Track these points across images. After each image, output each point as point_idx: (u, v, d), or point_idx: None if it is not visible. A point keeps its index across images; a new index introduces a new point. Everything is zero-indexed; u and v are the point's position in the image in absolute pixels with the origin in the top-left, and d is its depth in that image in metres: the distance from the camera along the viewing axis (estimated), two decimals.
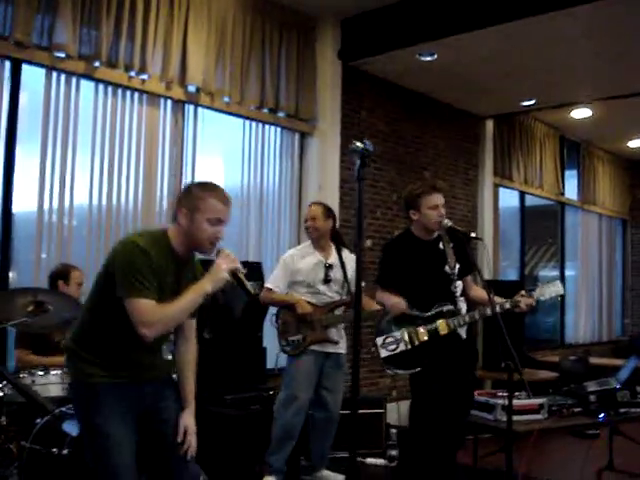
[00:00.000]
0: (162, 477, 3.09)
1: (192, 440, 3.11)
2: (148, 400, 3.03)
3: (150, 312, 2.78)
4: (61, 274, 4.80)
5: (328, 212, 5.31)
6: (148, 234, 3.01)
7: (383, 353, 4.29)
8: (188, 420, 3.14)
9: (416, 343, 4.23)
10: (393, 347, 4.26)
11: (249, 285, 3.02)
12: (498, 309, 4.16)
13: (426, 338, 4.22)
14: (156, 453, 3.07)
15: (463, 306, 4.37)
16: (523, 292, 4.33)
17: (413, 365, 4.29)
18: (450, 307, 4.26)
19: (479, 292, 4.54)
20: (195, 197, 2.95)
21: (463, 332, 4.35)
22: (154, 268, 2.84)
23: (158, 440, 3.07)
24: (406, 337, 4.25)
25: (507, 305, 4.24)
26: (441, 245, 4.38)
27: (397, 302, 4.27)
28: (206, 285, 2.89)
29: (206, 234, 2.93)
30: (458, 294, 4.34)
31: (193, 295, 2.87)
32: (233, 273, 2.93)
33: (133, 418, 2.96)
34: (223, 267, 2.91)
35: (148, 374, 3.05)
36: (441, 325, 4.23)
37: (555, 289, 4.37)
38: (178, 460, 3.08)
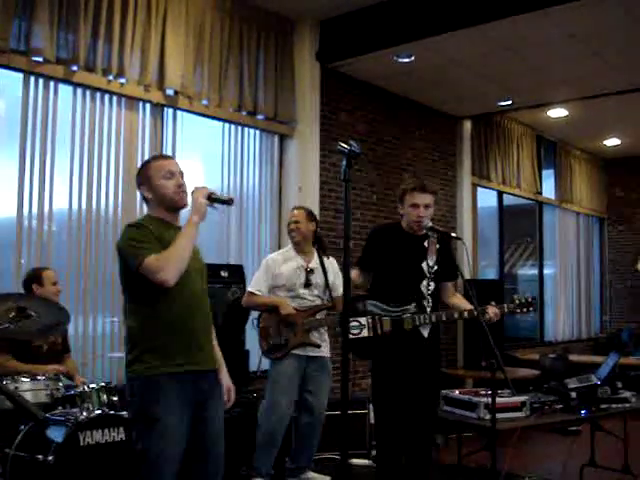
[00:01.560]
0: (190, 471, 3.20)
1: (232, 395, 3.45)
2: (200, 396, 3.17)
3: (155, 261, 3.00)
4: (33, 277, 4.78)
5: (311, 216, 5.33)
6: (139, 219, 3.36)
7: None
8: (226, 379, 3.43)
9: (379, 332, 4.27)
10: (356, 331, 4.29)
11: (225, 196, 3.36)
12: (466, 315, 4.24)
13: (389, 329, 4.26)
14: (194, 447, 3.17)
15: (428, 306, 4.40)
16: (493, 303, 4.37)
17: (368, 355, 4.34)
18: (416, 305, 4.31)
19: (457, 301, 4.58)
20: (143, 172, 3.30)
21: (426, 331, 4.38)
22: (154, 233, 3.12)
23: (200, 436, 3.19)
24: (370, 323, 4.28)
25: (475, 313, 4.28)
26: (426, 243, 4.42)
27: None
28: (193, 217, 3.16)
29: (169, 188, 3.22)
30: (427, 293, 4.36)
31: (186, 230, 3.13)
32: (209, 197, 3.22)
33: (188, 412, 3.10)
34: (198, 196, 3.19)
35: (204, 354, 3.22)
36: (406, 320, 4.27)
37: (527, 306, 4.43)
38: (211, 457, 3.24)
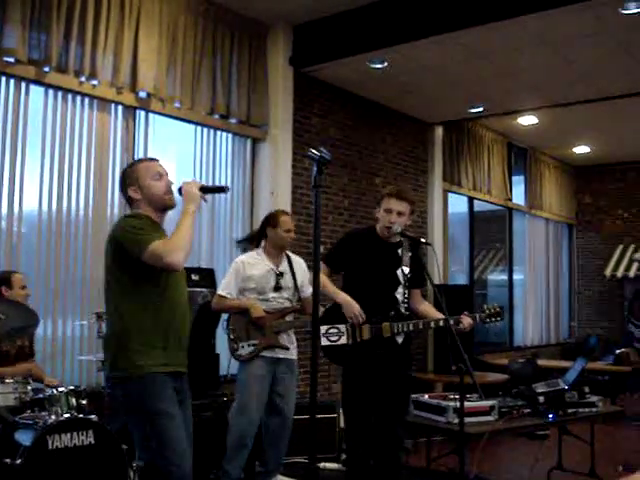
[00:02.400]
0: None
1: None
2: (179, 397, 3.24)
3: (162, 245, 3.08)
4: (2, 280, 4.75)
5: None
6: (132, 213, 3.34)
7: (324, 342, 4.31)
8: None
9: (358, 339, 4.29)
10: (335, 338, 4.31)
11: (217, 185, 3.40)
12: (441, 324, 4.28)
13: (368, 336, 4.27)
14: None
15: (404, 314, 4.42)
16: (466, 313, 4.42)
17: (345, 361, 4.36)
18: (394, 312, 4.33)
19: (427, 308, 4.63)
20: (131, 173, 3.34)
21: (400, 338, 4.41)
22: (149, 224, 3.20)
23: None
24: (349, 331, 4.30)
25: (451, 321, 4.32)
26: (400, 251, 4.44)
27: (358, 312, 4.30)
28: (189, 207, 3.24)
29: (159, 189, 3.31)
30: (402, 300, 4.39)
31: (185, 219, 3.20)
32: (202, 188, 3.31)
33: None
34: (192, 187, 3.29)
35: (184, 354, 3.29)
36: (385, 327, 4.29)
37: (496, 315, 4.51)
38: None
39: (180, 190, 3.32)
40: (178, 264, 3.08)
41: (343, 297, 4.33)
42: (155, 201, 3.31)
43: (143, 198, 3.30)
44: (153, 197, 3.29)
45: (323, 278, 4.41)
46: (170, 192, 3.34)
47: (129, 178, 3.33)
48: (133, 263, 3.10)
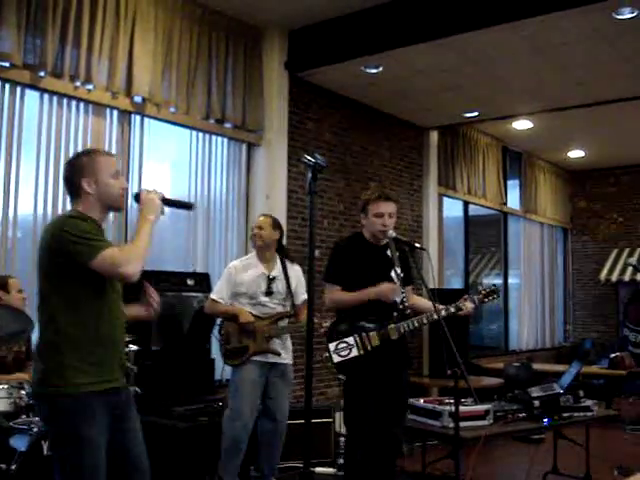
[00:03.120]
0: None
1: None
2: (119, 410, 3.00)
3: (118, 254, 2.85)
4: None
5: (276, 224, 5.36)
6: (70, 212, 3.06)
7: (336, 359, 4.30)
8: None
9: (369, 348, 4.27)
10: (345, 353, 4.28)
11: (182, 200, 3.30)
12: (444, 313, 4.26)
13: (378, 343, 4.26)
14: (116, 465, 2.99)
15: (405, 313, 4.41)
16: (466, 296, 4.43)
17: (362, 372, 4.34)
18: (398, 313, 4.32)
19: (418, 301, 4.62)
20: (90, 163, 3.04)
21: (395, 335, 4.39)
22: (99, 230, 2.99)
23: (120, 453, 3.01)
24: (358, 342, 4.28)
25: (451, 309, 4.34)
26: (389, 252, 4.44)
27: (381, 287, 4.29)
28: (149, 216, 3.00)
29: (116, 189, 3.06)
30: (399, 300, 4.38)
31: (143, 225, 2.97)
32: (163, 199, 3.09)
33: (108, 428, 2.93)
34: (154, 197, 3.05)
35: (121, 369, 3.06)
36: (391, 330, 4.28)
37: (493, 294, 4.52)
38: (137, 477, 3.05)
39: (137, 197, 3.08)
40: (134, 275, 2.84)
41: (369, 290, 4.29)
42: (108, 201, 3.06)
43: (95, 194, 3.02)
44: (108, 196, 3.04)
45: (340, 294, 4.41)
46: (124, 194, 3.13)
47: (85, 168, 3.02)
48: (76, 270, 2.84)
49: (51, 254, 2.90)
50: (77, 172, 3.04)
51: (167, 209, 3.15)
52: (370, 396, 4.27)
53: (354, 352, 4.28)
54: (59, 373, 2.84)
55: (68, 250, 2.83)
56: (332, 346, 4.31)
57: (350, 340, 4.29)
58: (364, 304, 4.31)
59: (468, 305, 4.40)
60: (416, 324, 4.33)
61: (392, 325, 4.28)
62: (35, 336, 4.30)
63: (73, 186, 3.05)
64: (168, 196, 3.15)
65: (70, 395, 2.82)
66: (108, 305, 2.98)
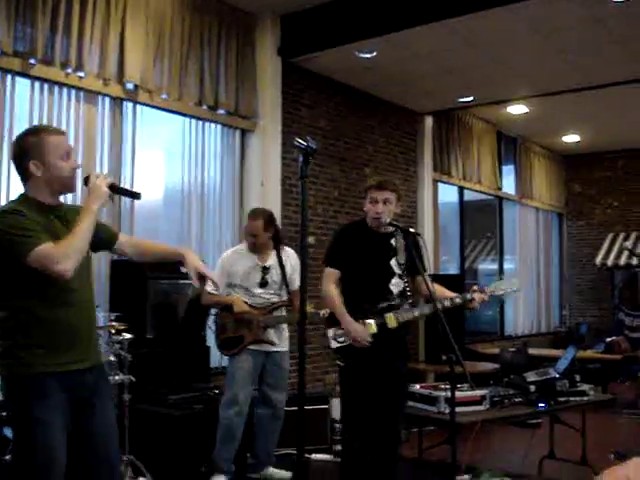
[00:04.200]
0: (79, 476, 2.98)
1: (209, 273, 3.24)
2: (86, 392, 2.95)
3: (53, 250, 2.75)
4: None
5: (268, 224, 5.25)
6: (8, 204, 3.04)
7: (333, 344, 4.31)
8: (194, 260, 3.22)
9: (357, 346, 4.25)
10: (343, 339, 4.29)
11: (131, 188, 3.23)
12: (448, 303, 4.23)
13: (375, 330, 4.24)
14: (80, 450, 2.94)
15: (401, 304, 4.37)
16: (475, 287, 4.37)
17: (358, 358, 4.32)
18: (400, 301, 4.30)
19: (438, 290, 4.55)
20: (37, 144, 2.90)
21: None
22: (35, 221, 2.82)
23: (85, 437, 2.95)
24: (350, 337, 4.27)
25: (457, 300, 4.28)
26: (393, 241, 4.40)
27: (363, 339, 4.25)
28: (91, 204, 2.90)
29: (66, 171, 2.94)
30: (397, 291, 4.35)
31: (84, 217, 2.87)
32: (111, 186, 2.99)
33: (70, 410, 2.88)
34: (101, 184, 2.94)
35: (87, 351, 2.99)
36: (389, 318, 4.25)
37: (510, 284, 4.46)
38: (100, 463, 2.98)
39: (86, 180, 2.97)
40: (67, 272, 2.75)
41: (347, 322, 4.25)
42: (58, 184, 2.95)
43: (43, 177, 2.90)
44: (57, 179, 2.93)
45: (333, 292, 4.36)
46: (75, 176, 3.00)
47: (32, 149, 2.90)
48: (16, 266, 2.77)
49: None
50: (24, 154, 2.92)
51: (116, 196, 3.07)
52: (366, 384, 4.25)
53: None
54: (11, 355, 2.82)
55: (4, 245, 2.77)
56: (331, 332, 4.32)
57: None
58: (359, 290, 4.29)
59: (477, 296, 4.34)
60: (416, 314, 4.30)
61: (391, 314, 4.26)
62: None
63: (20, 168, 2.95)
64: (117, 184, 3.07)
65: (20, 375, 2.81)
66: (66, 290, 2.88)
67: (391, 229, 4.40)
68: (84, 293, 3.02)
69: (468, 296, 4.36)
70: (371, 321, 4.25)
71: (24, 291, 2.84)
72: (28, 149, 2.90)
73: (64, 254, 2.75)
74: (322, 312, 4.81)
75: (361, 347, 4.20)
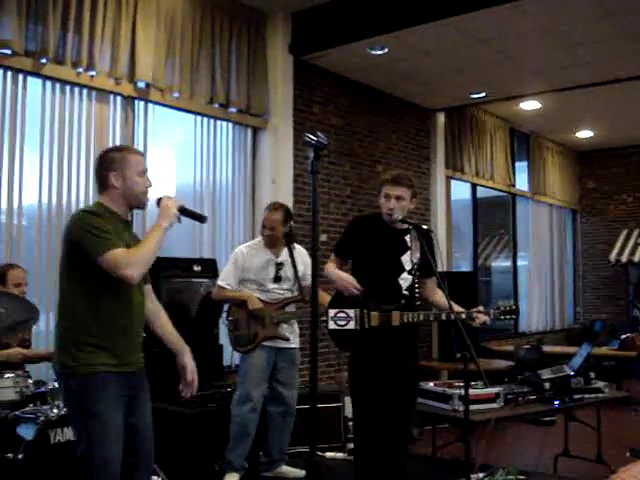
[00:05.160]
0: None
1: (195, 379, 3.42)
2: (135, 392, 3.14)
3: (125, 255, 2.93)
4: None
5: (286, 217, 5.25)
6: (90, 207, 3.26)
7: (331, 325, 4.25)
8: (189, 360, 3.40)
9: (366, 326, 4.22)
10: (343, 323, 4.23)
11: (198, 212, 3.37)
12: (453, 317, 4.18)
13: (377, 324, 4.20)
14: (125, 447, 3.08)
15: (409, 301, 4.33)
16: (481, 308, 4.32)
17: (351, 347, 4.30)
18: (405, 300, 4.26)
19: (440, 299, 4.50)
20: (119, 159, 3.15)
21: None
22: (110, 225, 3.02)
23: (131, 435, 3.11)
24: (357, 316, 4.23)
25: (463, 316, 4.22)
26: (408, 238, 4.37)
27: (348, 283, 4.25)
28: (162, 222, 3.09)
29: (141, 186, 3.17)
30: (405, 286, 4.32)
31: (155, 233, 3.07)
32: (181, 209, 3.17)
33: (124, 408, 3.07)
34: (172, 205, 3.13)
35: (136, 354, 3.18)
36: (394, 316, 4.22)
37: (510, 312, 4.42)
38: (141, 460, 3.17)
39: (159, 202, 3.17)
40: (133, 278, 2.94)
41: (336, 273, 4.26)
42: (133, 198, 3.17)
43: (121, 189, 3.13)
44: (133, 193, 3.15)
45: (330, 267, 4.37)
46: (147, 193, 3.22)
47: (115, 162, 3.14)
48: (89, 263, 2.95)
49: (67, 245, 3.05)
50: (106, 165, 3.15)
51: (183, 218, 3.24)
52: (370, 379, 4.22)
53: (351, 325, 4.21)
54: (73, 355, 2.98)
55: (79, 243, 2.97)
56: (332, 312, 4.24)
57: (351, 312, 4.23)
58: (368, 282, 4.26)
59: (481, 317, 4.29)
60: (422, 317, 4.25)
61: (396, 312, 4.22)
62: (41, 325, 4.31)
63: (101, 178, 3.17)
64: (186, 207, 3.23)
65: (80, 374, 2.96)
66: (124, 295, 3.06)
67: (407, 226, 4.36)
68: (140, 303, 3.22)
69: (477, 315, 4.30)
70: (375, 314, 4.22)
71: (93, 290, 3.02)
72: (111, 161, 3.15)
73: (130, 262, 2.93)
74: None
75: (350, 295, 4.17)
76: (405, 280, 4.30)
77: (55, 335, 3.13)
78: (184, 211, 3.20)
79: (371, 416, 4.25)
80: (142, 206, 3.26)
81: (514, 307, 4.40)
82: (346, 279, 4.20)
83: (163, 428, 5.13)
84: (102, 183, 3.17)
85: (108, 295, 3.02)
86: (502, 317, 4.40)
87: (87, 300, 3.02)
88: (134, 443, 3.11)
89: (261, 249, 5.25)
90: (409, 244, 4.35)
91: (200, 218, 3.36)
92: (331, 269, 4.36)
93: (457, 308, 4.28)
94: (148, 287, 3.39)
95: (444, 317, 4.17)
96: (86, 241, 2.95)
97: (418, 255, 4.33)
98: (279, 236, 5.23)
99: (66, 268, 3.09)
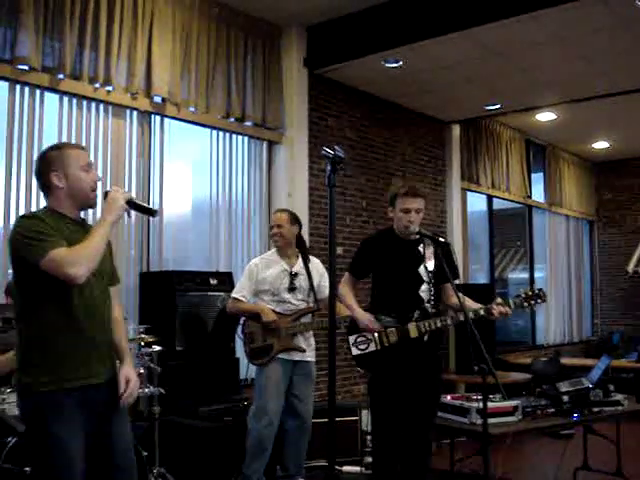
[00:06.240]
0: None
1: (134, 389, 3.09)
2: (102, 407, 2.97)
3: (67, 254, 2.77)
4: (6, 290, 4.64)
5: (293, 218, 5.31)
6: (30, 212, 3.11)
7: (354, 351, 4.28)
8: (128, 371, 3.08)
9: (385, 344, 4.22)
10: (363, 347, 4.25)
11: (147, 205, 3.21)
12: (472, 315, 4.13)
13: (396, 339, 4.20)
14: (100, 463, 2.96)
15: (430, 312, 4.31)
16: (499, 300, 4.27)
17: (376, 367, 4.29)
18: (421, 311, 4.24)
19: (456, 301, 4.47)
20: (58, 157, 2.98)
21: (426, 336, 4.28)
22: (53, 227, 2.85)
23: (104, 450, 2.98)
24: (376, 337, 4.23)
25: (481, 312, 4.19)
26: (421, 248, 4.36)
27: (362, 314, 4.27)
28: (107, 216, 2.93)
29: (86, 183, 3.00)
30: (427, 298, 4.30)
31: (99, 227, 2.90)
32: (129, 201, 3.01)
33: (87, 424, 2.89)
34: (118, 197, 2.97)
35: (102, 368, 3.00)
36: (411, 328, 4.21)
37: (536, 297, 4.35)
38: (120, 475, 3.02)
39: (105, 195, 3.00)
40: (77, 277, 2.75)
41: (355, 311, 4.31)
42: (80, 196, 3.00)
43: (65, 189, 2.96)
44: (79, 191, 2.98)
45: (345, 290, 4.41)
46: (95, 189, 3.04)
47: (54, 162, 2.96)
48: (35, 272, 2.77)
49: (12, 257, 2.90)
50: (46, 166, 2.98)
51: (133, 212, 3.09)
52: (393, 394, 4.20)
53: (372, 347, 4.24)
54: (26, 372, 2.85)
55: (20, 252, 2.82)
56: (352, 339, 4.30)
57: (369, 335, 4.26)
58: (390, 299, 4.26)
59: (498, 309, 4.22)
60: (439, 324, 4.23)
61: (412, 323, 4.21)
62: None
63: (43, 181, 3.00)
64: (135, 200, 3.08)
65: (36, 392, 2.81)
66: (81, 304, 2.89)
67: (418, 236, 4.35)
68: (104, 306, 3.05)
69: (494, 307, 4.24)
70: (393, 330, 4.22)
71: (44, 301, 2.85)
72: (50, 162, 2.97)
73: (73, 260, 2.76)
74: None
75: (372, 330, 4.21)
76: (425, 292, 4.29)
77: (16, 349, 2.98)
78: (132, 204, 3.04)
79: (392, 431, 4.23)
80: (90, 203, 3.09)
81: (538, 290, 4.34)
82: (366, 318, 4.25)
83: (180, 442, 5.15)
84: (45, 186, 3.00)
85: (64, 304, 2.85)
86: (527, 304, 4.30)
87: (37, 314, 2.85)
88: (110, 458, 2.98)
89: (275, 260, 5.26)
90: (423, 255, 4.34)
91: (150, 211, 3.19)
92: (348, 299, 4.38)
93: (473, 305, 4.24)
94: (115, 289, 3.24)
95: (462, 318, 4.13)
96: (25, 248, 2.79)
97: (432, 263, 4.32)
98: (288, 238, 5.24)
99: (17, 282, 2.94)
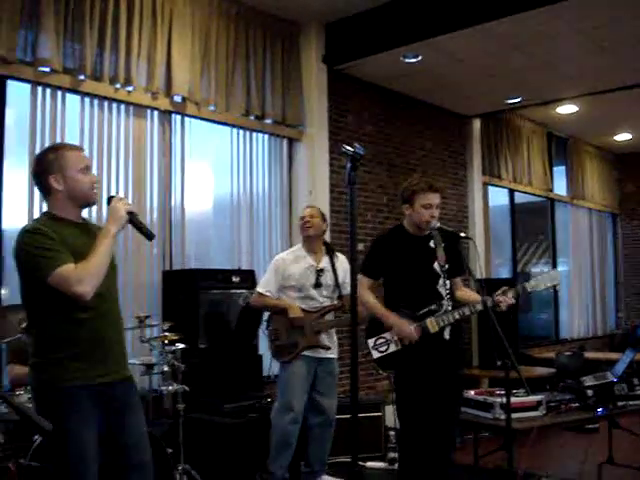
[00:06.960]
0: None
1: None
2: (116, 404, 3.02)
3: (74, 272, 2.80)
4: None
5: (323, 215, 5.38)
6: (31, 223, 3.07)
7: (375, 354, 4.27)
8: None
9: (406, 343, 4.21)
10: (384, 348, 4.24)
11: (146, 225, 3.18)
12: (480, 307, 4.14)
13: (416, 337, 4.20)
14: (114, 460, 3.02)
15: (448, 306, 4.31)
16: (505, 288, 4.26)
17: (397, 366, 4.29)
18: (437, 306, 4.24)
19: (465, 293, 4.50)
20: (56, 159, 2.99)
21: (447, 333, 4.28)
22: (57, 239, 2.87)
23: (118, 447, 3.03)
24: (396, 337, 4.23)
25: (489, 303, 4.17)
26: (432, 243, 4.35)
27: (402, 323, 4.22)
28: (110, 227, 2.96)
29: (86, 184, 3.02)
30: (444, 293, 4.29)
31: (103, 240, 2.92)
32: (130, 213, 3.03)
33: (102, 422, 2.95)
34: (120, 207, 3.00)
35: (116, 366, 3.05)
36: (430, 323, 4.20)
37: (551, 278, 4.32)
38: (134, 471, 3.06)
39: (109, 200, 3.05)
40: (85, 294, 2.80)
41: (393, 320, 4.22)
42: (79, 198, 3.02)
43: (65, 191, 2.98)
44: (78, 193, 3.00)
45: (370, 298, 4.35)
46: (94, 188, 3.06)
47: (52, 165, 2.97)
48: (42, 284, 2.82)
49: (18, 268, 2.93)
50: (44, 169, 3.00)
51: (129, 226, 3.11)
52: (418, 390, 4.20)
53: (392, 347, 4.23)
54: (44, 370, 2.90)
55: (26, 267, 2.88)
56: (371, 342, 4.28)
57: (388, 335, 4.25)
58: (408, 297, 4.25)
59: (506, 301, 4.20)
60: (457, 316, 4.23)
61: (431, 319, 4.20)
62: None
63: (42, 184, 3.02)
64: (136, 214, 3.10)
65: (53, 389, 2.88)
66: (94, 305, 2.92)
67: (428, 232, 4.34)
68: (113, 306, 3.10)
69: (500, 298, 4.23)
70: (412, 326, 4.20)
71: (53, 308, 2.89)
72: (48, 164, 2.99)
73: (81, 277, 2.80)
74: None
75: (410, 342, 4.16)
76: (443, 286, 4.29)
77: (29, 352, 3.02)
78: (132, 219, 3.05)
79: (420, 426, 4.23)
80: (92, 202, 3.13)
81: (554, 274, 4.32)
82: (407, 327, 4.18)
83: (204, 439, 5.19)
84: (44, 189, 3.03)
85: (72, 309, 2.88)
86: (543, 287, 4.29)
87: (53, 316, 2.90)
88: (124, 455, 3.03)
89: (302, 255, 5.26)
90: (435, 249, 4.33)
91: (147, 234, 3.16)
92: (378, 308, 4.31)
93: (478, 297, 4.24)
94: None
95: (480, 308, 4.16)
96: (32, 265, 2.84)
97: (444, 257, 4.31)
98: (316, 231, 5.26)
99: (25, 290, 2.97)
